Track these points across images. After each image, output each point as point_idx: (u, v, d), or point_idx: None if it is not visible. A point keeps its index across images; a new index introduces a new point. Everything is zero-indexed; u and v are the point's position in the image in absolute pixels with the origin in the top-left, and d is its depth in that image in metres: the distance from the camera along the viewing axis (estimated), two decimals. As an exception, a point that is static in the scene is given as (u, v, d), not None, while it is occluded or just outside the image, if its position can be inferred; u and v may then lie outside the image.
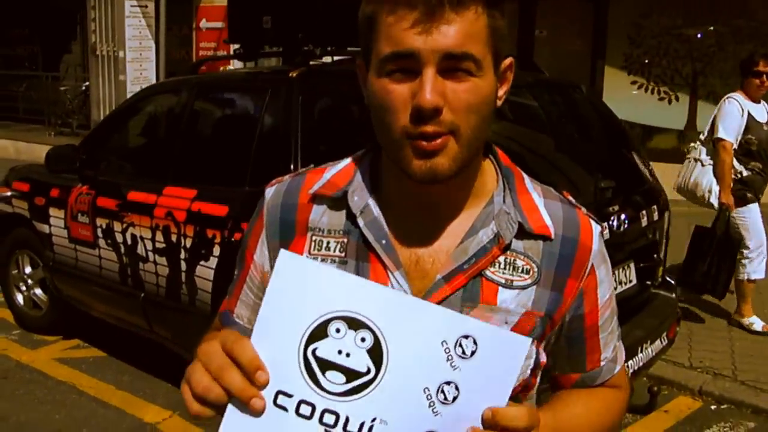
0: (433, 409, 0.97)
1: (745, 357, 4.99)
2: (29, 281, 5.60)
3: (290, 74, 3.80)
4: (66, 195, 4.88)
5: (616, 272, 3.65)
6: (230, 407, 0.98)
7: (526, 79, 4.30)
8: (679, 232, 7.81)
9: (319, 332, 0.97)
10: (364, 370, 0.96)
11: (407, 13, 1.05)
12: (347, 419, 0.97)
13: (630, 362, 3.56)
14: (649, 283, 3.98)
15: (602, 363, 1.31)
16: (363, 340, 0.97)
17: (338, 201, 1.21)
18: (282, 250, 1.01)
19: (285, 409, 0.97)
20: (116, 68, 11.53)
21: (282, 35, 4.13)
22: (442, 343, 0.97)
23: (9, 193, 5.49)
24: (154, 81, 11.07)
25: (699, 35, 9.56)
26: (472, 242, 1.17)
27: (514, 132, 3.83)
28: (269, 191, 1.29)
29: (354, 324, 0.97)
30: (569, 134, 4.16)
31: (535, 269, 1.18)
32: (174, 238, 4.05)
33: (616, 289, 3.66)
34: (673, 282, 4.24)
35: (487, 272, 1.16)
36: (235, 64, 8.28)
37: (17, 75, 15.87)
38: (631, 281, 3.77)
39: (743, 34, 9.33)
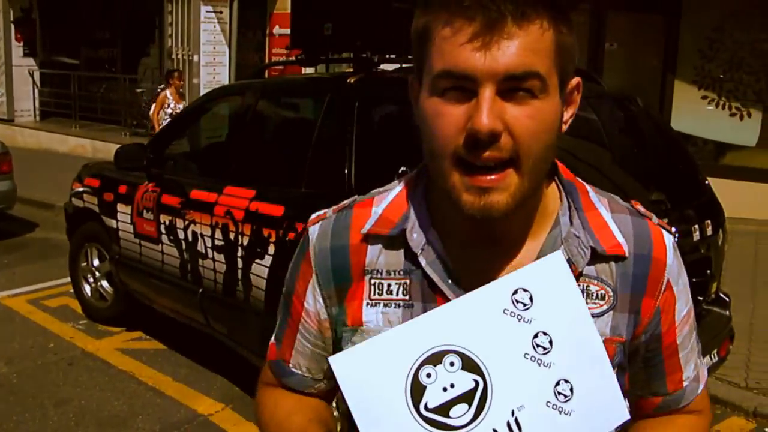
0: (543, 364, 1.00)
1: (805, 380, 4.88)
2: (97, 273, 5.82)
3: (348, 80, 3.90)
4: (133, 192, 5.07)
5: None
6: None
7: (585, 91, 4.31)
8: (746, 251, 7.67)
9: (416, 389, 0.98)
10: (473, 385, 0.98)
11: (464, 25, 0.95)
12: (495, 431, 0.98)
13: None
14: (701, 298, 3.93)
15: (685, 383, 1.21)
16: (452, 364, 0.98)
17: (395, 239, 1.12)
18: (331, 359, 1.01)
19: None
20: (190, 72, 11.85)
21: (342, 42, 4.23)
22: (503, 311, 1.01)
23: (81, 189, 5.73)
24: (226, 85, 11.32)
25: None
26: None
27: (570, 144, 3.84)
28: (313, 230, 1.18)
29: (435, 359, 0.98)
30: (626, 146, 4.15)
31: (611, 293, 1.10)
32: (232, 236, 4.18)
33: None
34: (727, 299, 4.17)
35: None
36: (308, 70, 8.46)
37: (97, 77, 16.42)
38: (681, 296, 3.73)
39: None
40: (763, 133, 9.52)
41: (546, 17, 0.97)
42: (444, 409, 0.97)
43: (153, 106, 9.92)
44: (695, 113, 9.86)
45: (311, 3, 4.50)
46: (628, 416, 1.04)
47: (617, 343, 1.11)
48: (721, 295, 4.14)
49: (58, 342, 5.47)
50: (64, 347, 5.38)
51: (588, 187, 1.17)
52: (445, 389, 0.97)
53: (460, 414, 0.97)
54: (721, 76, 9.72)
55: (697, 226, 3.79)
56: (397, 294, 1.11)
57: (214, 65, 11.88)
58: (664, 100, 10.00)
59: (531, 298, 1.01)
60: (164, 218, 4.73)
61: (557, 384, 1.00)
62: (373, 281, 1.12)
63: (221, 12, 11.77)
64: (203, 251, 4.42)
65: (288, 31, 5.93)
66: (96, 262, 5.81)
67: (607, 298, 1.10)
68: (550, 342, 1.00)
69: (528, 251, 1.10)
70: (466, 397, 0.98)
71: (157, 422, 4.32)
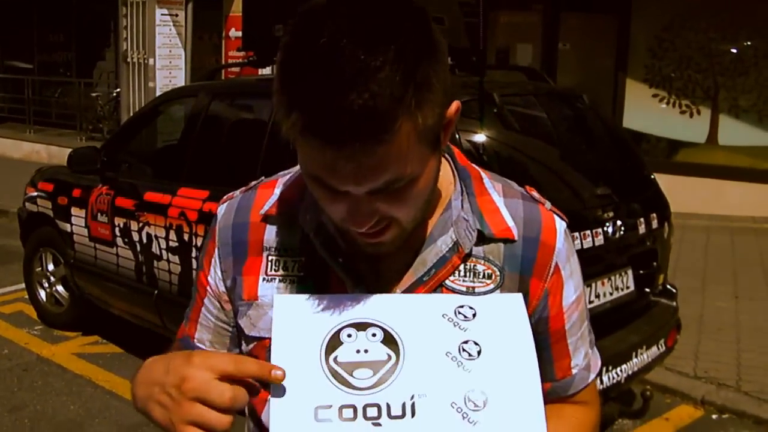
0: (462, 367, 1.02)
1: (751, 368, 5.01)
2: (52, 278, 5.78)
3: (299, 80, 3.92)
4: (87, 195, 5.05)
5: (613, 278, 3.72)
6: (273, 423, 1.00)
7: (531, 89, 4.41)
8: (697, 245, 7.85)
9: (333, 343, 1.03)
10: (385, 357, 1.02)
11: (321, 144, 0.92)
12: (388, 406, 0.99)
13: (624, 366, 3.63)
14: (648, 290, 4.03)
15: (574, 371, 1.23)
16: (374, 335, 1.03)
17: (291, 218, 1.16)
18: (276, 296, 1.08)
19: (329, 420, 0.99)
20: (146, 75, 11.73)
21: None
22: (443, 316, 1.06)
23: (35, 193, 5.69)
24: (182, 88, 11.22)
25: (734, 50, 9.56)
26: (431, 252, 1.12)
27: (520, 141, 3.92)
28: (221, 209, 1.24)
29: (361, 326, 1.04)
30: (573, 143, 4.24)
31: (497, 273, 1.13)
32: (186, 237, 4.20)
33: (612, 294, 3.72)
34: (675, 290, 4.28)
35: (447, 282, 1.12)
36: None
37: (52, 81, 16.23)
38: (628, 287, 3.83)
39: (765, 48, 9.32)
40: (712, 130, 9.74)
41: (401, 120, 0.91)
42: (350, 366, 1.01)
43: None
44: (647, 111, 10.05)
45: (262, 5, 4.52)
46: None
47: None
48: (668, 286, 4.25)
49: (12, 348, 5.42)
50: (19, 353, 5.33)
51: (483, 173, 1.21)
52: (358, 351, 1.02)
53: (363, 377, 1.01)
54: (672, 74, 9.91)
55: (642, 219, 3.89)
56: (293, 270, 1.15)
57: (170, 68, 11.75)
58: (616, 98, 10.17)
59: (474, 315, 1.06)
60: (119, 221, 4.73)
61: (471, 391, 1.01)
62: (270, 258, 1.17)
63: (177, 15, 11.66)
64: (158, 253, 4.42)
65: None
66: (51, 267, 5.77)
67: (494, 277, 1.13)
68: (479, 352, 1.03)
69: (418, 232, 1.12)
70: (374, 365, 1.01)
71: (114, 425, 4.31)
